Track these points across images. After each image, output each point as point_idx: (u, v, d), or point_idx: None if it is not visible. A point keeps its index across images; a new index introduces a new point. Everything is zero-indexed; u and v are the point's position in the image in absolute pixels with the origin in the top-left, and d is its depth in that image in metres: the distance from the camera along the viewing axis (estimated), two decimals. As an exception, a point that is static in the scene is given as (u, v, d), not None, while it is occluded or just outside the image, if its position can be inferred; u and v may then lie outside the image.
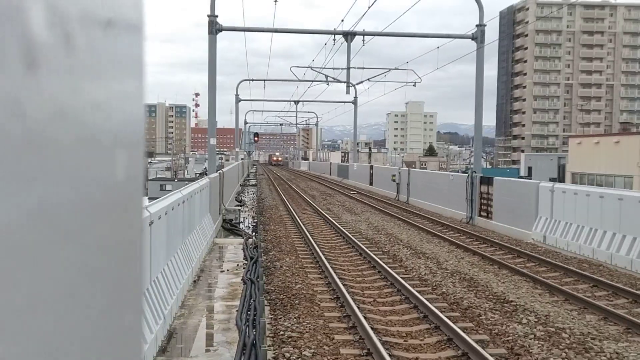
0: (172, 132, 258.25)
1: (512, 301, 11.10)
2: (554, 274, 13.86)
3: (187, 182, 31.73)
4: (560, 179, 60.43)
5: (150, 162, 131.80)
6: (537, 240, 18.83)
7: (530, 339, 8.82)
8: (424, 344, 8.67)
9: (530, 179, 52.35)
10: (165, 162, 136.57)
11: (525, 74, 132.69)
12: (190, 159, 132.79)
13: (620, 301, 11.47)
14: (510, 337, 8.92)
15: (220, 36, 25.06)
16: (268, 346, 8.15)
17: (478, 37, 25.48)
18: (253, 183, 52.50)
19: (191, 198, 13.56)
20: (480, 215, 23.84)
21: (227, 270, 13.57)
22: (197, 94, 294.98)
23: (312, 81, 44.49)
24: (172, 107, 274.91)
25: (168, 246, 10.02)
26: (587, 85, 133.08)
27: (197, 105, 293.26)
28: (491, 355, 7.79)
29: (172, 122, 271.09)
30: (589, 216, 16.58)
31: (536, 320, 9.86)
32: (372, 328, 8.90)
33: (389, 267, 13.66)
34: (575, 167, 53.10)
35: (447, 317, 9.56)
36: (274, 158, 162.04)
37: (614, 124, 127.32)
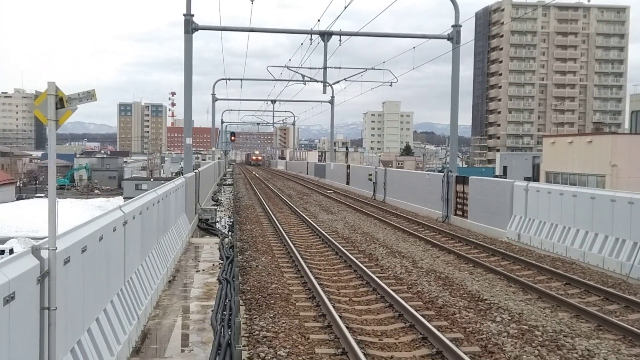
0: (147, 132, 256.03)
1: (486, 299, 11.20)
2: (528, 272, 14.03)
3: (162, 182, 31.49)
4: (535, 178, 61.14)
5: (126, 162, 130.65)
6: (512, 238, 19.04)
7: (504, 337, 8.91)
8: (399, 343, 8.71)
9: (506, 178, 52.88)
10: (141, 162, 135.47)
11: (500, 74, 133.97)
12: (166, 158, 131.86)
13: (592, 299, 11.64)
14: (484, 335, 9.00)
15: (196, 36, 24.94)
16: (243, 346, 8.12)
17: (454, 37, 25.67)
18: (230, 182, 52.29)
19: (166, 198, 13.46)
20: (455, 214, 24.03)
21: (203, 270, 13.50)
22: (173, 93, 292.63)
23: (289, 81, 44.42)
24: (148, 107, 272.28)
25: (143, 246, 9.94)
26: (561, 86, 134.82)
27: (173, 104, 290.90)
28: (465, 353, 7.86)
29: (147, 121, 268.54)
30: (562, 215, 16.80)
31: (510, 318, 9.97)
32: (347, 327, 8.92)
33: (365, 266, 13.71)
34: (549, 166, 53.74)
35: (422, 315, 9.62)
36: (253, 157, 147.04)
37: (587, 123, 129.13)
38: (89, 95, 5.46)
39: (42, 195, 78.98)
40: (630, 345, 8.71)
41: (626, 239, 14.09)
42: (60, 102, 5.28)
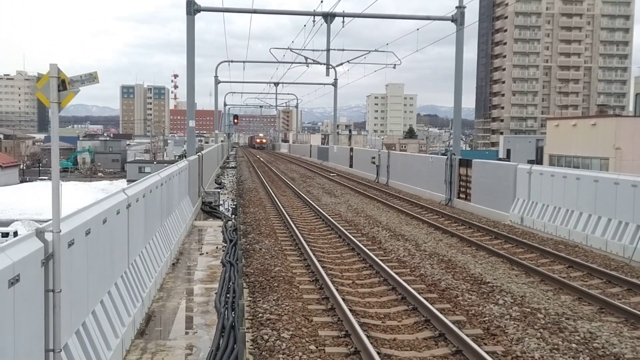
0: (150, 114, 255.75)
1: (489, 282, 11.23)
2: (531, 255, 14.04)
3: (165, 165, 31.50)
4: (538, 161, 61.06)
5: (129, 144, 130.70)
6: (515, 221, 19.04)
7: (506, 320, 8.94)
8: (402, 325, 8.75)
9: (509, 161, 52.79)
10: (144, 144, 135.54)
11: (504, 56, 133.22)
12: (169, 141, 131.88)
13: (595, 281, 11.66)
14: (487, 318, 9.04)
15: (198, 17, 24.79)
16: (247, 328, 8.17)
17: (458, 19, 25.48)
18: (233, 165, 52.30)
19: (170, 180, 13.48)
20: (459, 197, 24.02)
21: (206, 252, 13.55)
22: (175, 76, 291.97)
23: (292, 63, 44.23)
24: (151, 89, 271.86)
25: (146, 229, 9.97)
26: (565, 68, 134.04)
27: (175, 86, 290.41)
28: (468, 335, 7.89)
29: (150, 103, 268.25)
30: (565, 198, 16.78)
31: (512, 301, 9.99)
32: (350, 310, 8.96)
33: (368, 249, 13.74)
34: (552, 149, 53.61)
35: (424, 298, 9.65)
36: (257, 140, 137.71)
37: (591, 106, 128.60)
38: (91, 78, 5.43)
39: (46, 178, 79.17)
40: (632, 328, 8.73)
41: (629, 222, 14.08)
42: (63, 84, 5.26)
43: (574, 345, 7.92)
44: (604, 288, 11.16)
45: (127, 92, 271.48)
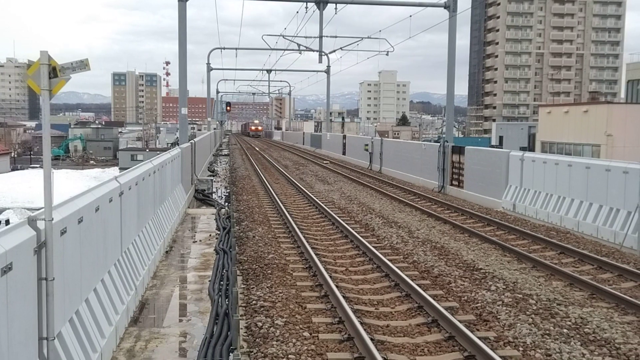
0: (142, 102, 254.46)
1: (481, 269, 11.29)
2: (523, 242, 14.12)
3: (158, 152, 31.39)
4: (531, 148, 61.24)
5: (121, 132, 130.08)
6: (507, 208, 19.12)
7: (499, 306, 9.01)
8: (395, 312, 8.80)
9: (501, 148, 52.91)
10: (136, 132, 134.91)
11: (497, 43, 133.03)
12: (161, 128, 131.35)
13: (586, 267, 11.75)
14: (479, 304, 9.09)
15: (189, 4, 24.60)
16: (240, 315, 8.20)
17: (450, 5, 25.40)
18: (226, 153, 52.20)
19: (162, 168, 13.44)
20: (451, 184, 24.08)
21: (200, 240, 13.55)
22: (167, 63, 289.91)
23: (285, 50, 44.02)
24: (142, 76, 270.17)
25: (139, 217, 9.95)
26: (557, 55, 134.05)
27: (167, 74, 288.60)
28: (460, 321, 7.94)
29: (142, 91, 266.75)
30: (557, 184, 16.86)
31: (504, 287, 10.06)
32: (344, 297, 8.99)
33: (361, 236, 13.77)
34: (545, 136, 53.75)
35: (417, 285, 9.70)
36: (252, 127, 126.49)
37: (583, 93, 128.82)
38: (83, 65, 5.40)
39: (37, 165, 78.77)
40: (622, 313, 8.81)
41: (620, 208, 14.16)
42: (54, 72, 5.22)
43: (565, 330, 7.98)
44: (595, 274, 11.24)
45: (119, 79, 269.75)
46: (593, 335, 7.84)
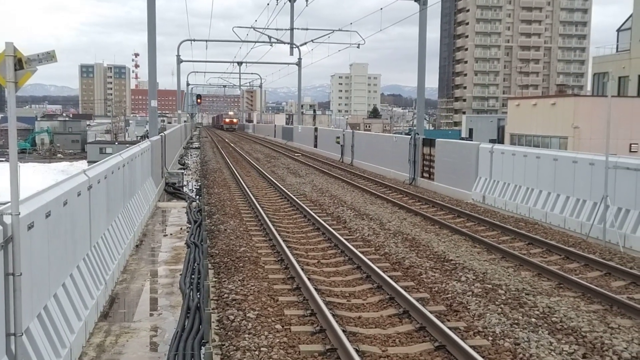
0: (111, 94, 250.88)
1: (451, 260, 11.42)
2: (492, 233, 14.31)
3: (127, 145, 31.02)
4: (500, 140, 61.91)
5: (89, 125, 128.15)
6: (477, 200, 19.34)
7: (469, 296, 9.12)
8: (367, 303, 8.85)
9: (471, 140, 53.45)
10: (105, 125, 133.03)
11: (467, 36, 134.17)
12: (130, 121, 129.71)
13: (554, 258, 11.96)
14: (450, 295, 9.20)
15: (159, -6, 24.28)
16: (212, 309, 8.16)
17: (421, -2, 25.50)
18: (196, 146, 51.81)
19: (132, 161, 13.29)
20: (422, 177, 24.27)
21: (171, 234, 13.45)
22: (136, 54, 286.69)
23: (255, 42, 43.84)
24: (111, 68, 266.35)
25: (109, 211, 9.84)
26: (526, 48, 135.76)
27: (137, 66, 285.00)
28: (431, 312, 8.03)
29: (110, 83, 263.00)
30: (525, 176, 17.10)
31: (474, 277, 10.19)
32: (316, 289, 9.01)
33: (333, 229, 13.81)
34: (513, 128, 54.38)
35: (389, 276, 9.77)
36: (227, 120, 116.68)
37: (551, 86, 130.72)
38: (49, 56, 5.30)
39: (3, 159, 77.18)
40: (589, 302, 9.00)
41: (586, 199, 14.44)
42: (19, 63, 5.12)
43: (533, 319, 8.12)
44: (562, 264, 11.45)
45: (87, 71, 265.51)
46: (560, 324, 7.99)
